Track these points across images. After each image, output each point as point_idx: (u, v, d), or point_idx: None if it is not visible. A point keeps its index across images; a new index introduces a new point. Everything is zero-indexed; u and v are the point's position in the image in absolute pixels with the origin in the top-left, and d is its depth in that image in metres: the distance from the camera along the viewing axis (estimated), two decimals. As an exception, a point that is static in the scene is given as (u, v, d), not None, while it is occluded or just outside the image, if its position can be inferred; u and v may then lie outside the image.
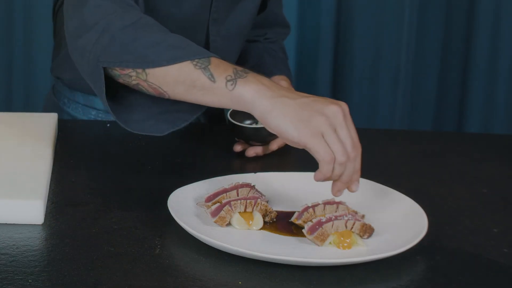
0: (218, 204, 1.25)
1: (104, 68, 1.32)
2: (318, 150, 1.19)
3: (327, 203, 1.26)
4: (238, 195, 1.27)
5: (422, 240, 1.19)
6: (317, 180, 1.22)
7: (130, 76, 1.32)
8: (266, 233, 1.23)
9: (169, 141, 1.61)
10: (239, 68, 1.28)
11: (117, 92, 1.38)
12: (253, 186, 1.29)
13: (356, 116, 2.67)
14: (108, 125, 1.66)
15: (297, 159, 1.54)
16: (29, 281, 1.09)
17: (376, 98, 2.71)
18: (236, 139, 1.53)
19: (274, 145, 1.51)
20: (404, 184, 1.40)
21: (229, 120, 1.53)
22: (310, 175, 1.37)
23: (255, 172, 1.37)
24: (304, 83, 2.71)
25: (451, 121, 2.76)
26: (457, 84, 2.72)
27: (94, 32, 1.31)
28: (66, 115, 1.74)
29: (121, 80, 1.34)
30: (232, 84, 1.25)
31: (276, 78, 1.65)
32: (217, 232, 1.21)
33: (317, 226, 1.20)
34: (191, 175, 1.39)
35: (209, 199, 1.28)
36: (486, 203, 1.38)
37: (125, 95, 1.38)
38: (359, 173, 1.23)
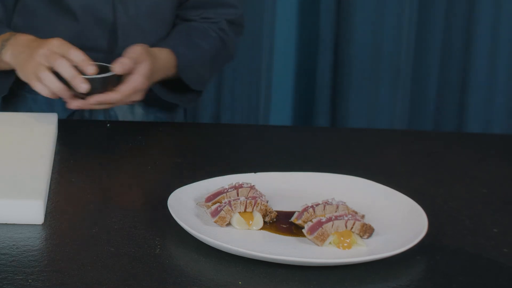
0: (218, 204, 1.25)
1: None
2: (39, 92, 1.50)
3: (327, 203, 1.26)
4: (238, 195, 1.27)
5: (422, 240, 1.19)
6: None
7: None
8: (266, 233, 1.23)
9: (169, 141, 1.61)
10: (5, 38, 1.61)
11: None
12: (253, 186, 1.29)
13: (356, 116, 2.69)
14: (108, 125, 1.66)
15: (297, 159, 1.54)
16: (29, 281, 1.09)
17: (376, 98, 2.71)
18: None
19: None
20: (404, 184, 1.40)
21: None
22: (310, 175, 1.37)
23: (255, 172, 1.37)
24: (304, 83, 2.71)
25: (451, 121, 2.76)
26: (457, 84, 2.72)
27: None
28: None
29: None
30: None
31: (155, 48, 1.68)
32: (217, 232, 1.21)
33: (317, 226, 1.20)
34: (191, 175, 1.39)
35: (209, 199, 1.28)
36: (486, 203, 1.38)
37: None
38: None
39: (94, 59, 1.56)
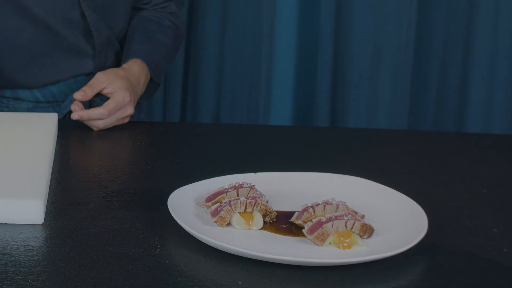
0: (218, 204, 1.25)
1: None
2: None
3: (327, 203, 1.26)
4: (238, 195, 1.27)
5: (422, 240, 1.19)
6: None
7: None
8: (266, 233, 1.23)
9: (169, 141, 1.61)
10: None
11: None
12: (253, 186, 1.29)
13: (356, 116, 2.69)
14: (108, 125, 1.66)
15: (297, 159, 1.54)
16: (29, 281, 1.09)
17: (376, 98, 2.71)
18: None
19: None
20: (404, 184, 1.40)
21: None
22: (310, 175, 1.37)
23: (255, 172, 1.37)
24: (304, 83, 2.71)
25: (451, 121, 2.76)
26: (457, 84, 2.72)
27: None
28: None
29: None
30: None
31: (130, 62, 1.74)
32: (217, 232, 1.21)
33: (317, 226, 1.20)
34: (191, 175, 1.39)
35: (209, 199, 1.28)
36: (486, 203, 1.38)
37: None
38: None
39: (81, 64, 1.70)
